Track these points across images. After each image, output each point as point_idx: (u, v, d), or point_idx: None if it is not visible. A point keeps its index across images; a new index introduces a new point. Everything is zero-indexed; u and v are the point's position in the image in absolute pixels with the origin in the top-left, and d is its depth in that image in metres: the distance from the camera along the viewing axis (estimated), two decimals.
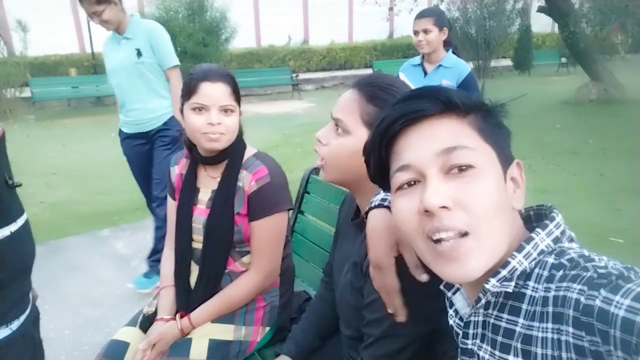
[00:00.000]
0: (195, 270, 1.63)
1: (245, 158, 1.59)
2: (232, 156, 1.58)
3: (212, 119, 1.46)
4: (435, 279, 0.85)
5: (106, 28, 3.05)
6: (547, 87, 12.59)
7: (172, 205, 1.70)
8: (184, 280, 1.63)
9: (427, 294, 0.92)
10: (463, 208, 0.67)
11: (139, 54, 3.01)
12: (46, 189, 5.46)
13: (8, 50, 10.95)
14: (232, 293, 1.57)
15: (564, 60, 16.12)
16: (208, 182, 1.62)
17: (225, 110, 1.49)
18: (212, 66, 1.54)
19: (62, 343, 2.61)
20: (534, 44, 16.20)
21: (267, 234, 1.55)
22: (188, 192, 1.63)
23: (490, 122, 0.75)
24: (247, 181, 1.54)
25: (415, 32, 3.04)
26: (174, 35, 11.40)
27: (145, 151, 3.17)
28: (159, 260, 2.77)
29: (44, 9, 13.79)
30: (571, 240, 0.74)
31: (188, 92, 1.49)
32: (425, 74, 3.13)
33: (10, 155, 1.77)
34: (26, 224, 1.14)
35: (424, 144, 0.72)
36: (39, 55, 13.22)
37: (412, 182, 0.73)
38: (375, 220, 0.97)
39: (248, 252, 1.60)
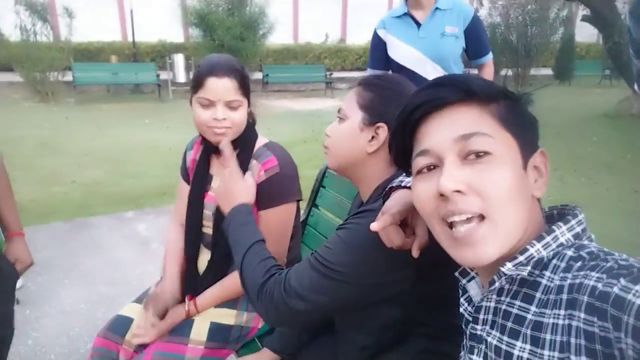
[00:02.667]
0: (204, 253, 1.66)
1: (256, 148, 1.60)
2: (242, 146, 1.59)
3: (218, 114, 1.47)
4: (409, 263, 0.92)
5: None
6: (587, 99, 12.23)
7: (184, 188, 1.73)
8: (192, 263, 1.66)
9: (401, 264, 0.96)
10: (477, 193, 0.70)
11: None
12: (78, 169, 5.63)
13: (54, 36, 11.31)
14: (236, 280, 1.58)
15: (607, 72, 15.62)
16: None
17: (232, 104, 1.50)
18: (220, 60, 1.52)
19: (77, 316, 2.70)
20: (576, 54, 15.75)
21: (273, 224, 1.56)
22: (200, 179, 1.66)
23: (514, 111, 0.76)
24: (257, 171, 1.55)
25: None
26: (213, 28, 11.64)
27: None
28: None
29: None
30: (591, 240, 0.75)
31: (195, 85, 1.50)
32: (419, 25, 2.51)
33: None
34: None
35: (443, 131, 0.75)
36: (83, 41, 13.66)
37: (432, 167, 0.76)
38: (400, 193, 0.99)
39: None
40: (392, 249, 0.93)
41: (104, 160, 6.09)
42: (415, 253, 0.91)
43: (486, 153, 0.71)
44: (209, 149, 1.64)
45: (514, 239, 0.72)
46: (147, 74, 12.47)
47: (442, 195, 0.71)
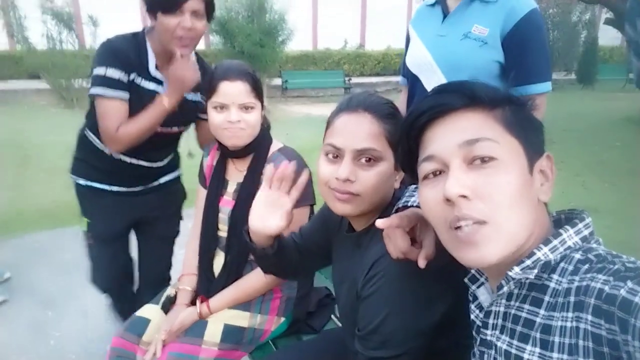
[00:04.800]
0: (219, 256, 1.69)
1: (270, 152, 1.63)
2: (257, 150, 1.62)
3: (232, 116, 1.52)
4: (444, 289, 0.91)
5: None
6: (610, 103, 11.99)
7: (202, 194, 1.77)
8: (207, 265, 1.69)
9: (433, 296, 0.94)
10: (482, 198, 0.71)
11: None
12: None
13: (79, 44, 11.57)
14: (248, 283, 1.61)
15: (631, 75, 15.27)
16: (236, 174, 1.68)
17: (245, 107, 1.54)
18: (232, 64, 1.58)
19: (98, 318, 2.75)
20: (600, 58, 15.45)
21: None
22: (216, 183, 1.70)
23: (519, 115, 0.77)
24: None
25: None
26: (233, 35, 11.77)
27: None
28: None
29: (114, 6, 14.56)
30: (599, 243, 0.75)
31: (210, 90, 1.54)
32: (445, 16, 1.74)
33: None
34: None
35: (448, 136, 0.76)
36: None
37: (438, 172, 0.77)
38: (407, 211, 0.99)
39: None
40: (423, 288, 0.92)
41: None
42: (421, 263, 0.90)
43: (491, 158, 0.71)
44: (225, 154, 1.67)
45: (518, 242, 0.72)
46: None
47: (448, 200, 0.72)
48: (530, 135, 0.76)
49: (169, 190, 2.09)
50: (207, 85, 1.57)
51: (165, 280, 2.16)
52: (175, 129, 1.88)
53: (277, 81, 13.68)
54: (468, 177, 0.72)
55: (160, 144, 1.88)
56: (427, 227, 0.94)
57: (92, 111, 1.79)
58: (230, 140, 1.55)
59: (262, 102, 1.60)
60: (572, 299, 0.65)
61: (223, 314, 1.59)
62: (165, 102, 1.66)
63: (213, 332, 1.54)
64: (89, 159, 1.97)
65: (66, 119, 9.69)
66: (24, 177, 5.18)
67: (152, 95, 1.70)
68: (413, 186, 1.09)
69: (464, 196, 0.71)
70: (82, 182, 2.00)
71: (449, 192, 0.71)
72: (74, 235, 3.90)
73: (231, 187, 1.68)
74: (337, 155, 1.04)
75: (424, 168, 0.79)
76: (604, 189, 5.32)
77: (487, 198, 0.70)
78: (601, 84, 15.56)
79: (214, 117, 1.54)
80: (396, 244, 0.93)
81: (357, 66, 16.61)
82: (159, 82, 1.75)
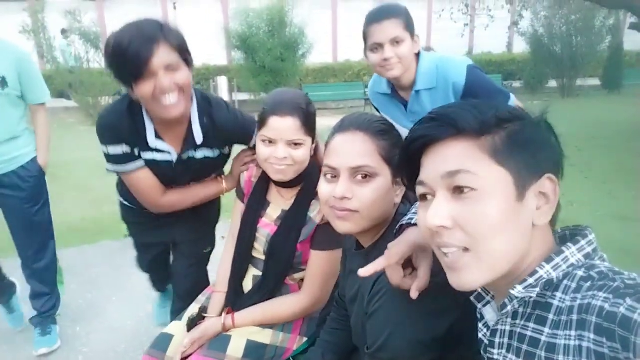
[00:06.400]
0: (250, 273, 1.71)
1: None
2: (306, 182, 1.60)
3: (279, 153, 1.48)
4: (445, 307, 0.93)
5: None
6: (638, 109, 11.71)
7: (239, 208, 1.76)
8: (238, 282, 1.70)
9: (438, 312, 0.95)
10: (462, 228, 0.73)
11: (5, 84, 2.33)
12: None
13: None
14: (278, 309, 1.62)
15: None
16: (279, 199, 1.66)
17: (294, 143, 1.50)
18: (285, 98, 1.53)
19: (124, 333, 2.81)
20: (625, 63, 15.11)
21: (324, 266, 1.57)
22: (256, 203, 1.68)
23: (515, 138, 0.75)
24: (318, 211, 1.56)
25: (376, 47, 1.86)
26: (254, 50, 11.95)
27: None
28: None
29: None
30: (603, 260, 0.75)
31: (260, 122, 1.52)
32: (406, 107, 2.02)
33: (100, 157, 1.92)
34: None
35: (434, 166, 0.79)
36: None
37: (430, 195, 0.80)
38: (408, 232, 1.00)
39: (302, 270, 1.65)
40: (426, 303, 0.93)
41: None
42: (413, 295, 0.92)
43: (471, 189, 0.73)
44: (269, 176, 1.63)
45: (502, 268, 0.74)
46: None
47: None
48: (526, 159, 0.74)
49: (200, 216, 2.01)
50: (259, 116, 1.54)
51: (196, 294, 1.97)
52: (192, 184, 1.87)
53: None
54: (449, 207, 0.74)
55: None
56: (424, 254, 0.95)
57: (120, 181, 1.90)
58: (276, 175, 1.53)
59: (313, 137, 1.57)
60: (574, 317, 0.66)
61: (246, 329, 1.61)
62: (224, 185, 1.84)
63: (236, 347, 1.56)
64: (128, 216, 2.13)
65: (93, 136, 9.87)
66: (53, 194, 5.34)
67: (161, 165, 1.69)
68: (418, 203, 1.11)
69: (443, 226, 0.74)
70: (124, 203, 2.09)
71: (429, 223, 0.75)
72: (101, 251, 4.02)
73: (274, 212, 1.66)
74: (334, 175, 1.09)
75: (418, 190, 0.83)
76: (633, 197, 5.18)
77: (465, 228, 0.73)
78: (627, 89, 15.20)
79: (262, 151, 1.52)
80: (389, 277, 0.96)
81: None
82: (161, 151, 1.66)
